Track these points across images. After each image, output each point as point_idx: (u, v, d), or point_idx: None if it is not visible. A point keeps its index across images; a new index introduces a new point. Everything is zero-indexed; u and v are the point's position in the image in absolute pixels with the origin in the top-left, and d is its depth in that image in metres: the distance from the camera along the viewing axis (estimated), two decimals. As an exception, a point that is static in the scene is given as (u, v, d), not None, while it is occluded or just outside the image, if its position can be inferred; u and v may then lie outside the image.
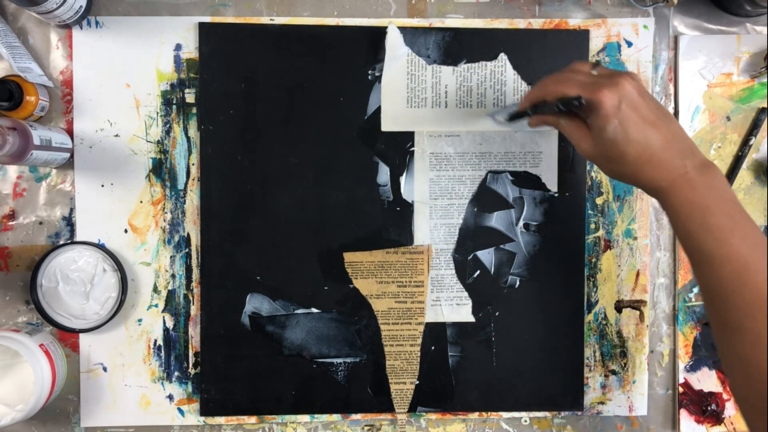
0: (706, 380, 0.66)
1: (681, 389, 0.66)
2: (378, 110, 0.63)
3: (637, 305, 0.65)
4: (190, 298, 0.63)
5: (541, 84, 0.53)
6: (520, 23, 0.64)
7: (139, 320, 0.63)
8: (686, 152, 0.49)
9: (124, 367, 0.63)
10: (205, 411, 0.63)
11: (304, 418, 0.64)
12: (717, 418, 0.66)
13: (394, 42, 0.63)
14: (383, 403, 0.64)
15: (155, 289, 0.63)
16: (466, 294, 0.64)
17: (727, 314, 0.46)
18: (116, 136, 0.62)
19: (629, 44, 0.64)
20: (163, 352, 0.63)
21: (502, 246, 0.64)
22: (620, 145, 0.48)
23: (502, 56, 0.64)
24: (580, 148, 0.51)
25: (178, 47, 0.62)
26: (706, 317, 0.65)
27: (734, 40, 0.65)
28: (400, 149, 0.64)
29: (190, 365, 0.63)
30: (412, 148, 0.64)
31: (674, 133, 0.49)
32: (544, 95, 0.52)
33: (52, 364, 0.59)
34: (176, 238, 0.63)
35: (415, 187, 0.64)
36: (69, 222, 0.63)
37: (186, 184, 0.63)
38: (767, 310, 0.44)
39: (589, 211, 0.65)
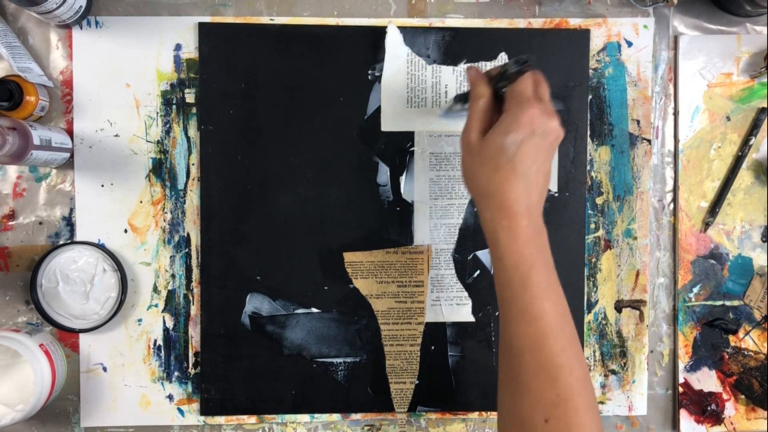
0: (706, 380, 0.66)
1: (681, 389, 0.66)
2: (378, 110, 0.63)
3: (637, 305, 0.66)
4: (190, 298, 0.63)
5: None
6: (520, 23, 0.64)
7: (139, 320, 0.63)
8: (534, 207, 0.49)
9: (124, 367, 0.63)
10: (205, 411, 0.63)
11: (304, 418, 0.64)
12: (717, 418, 0.66)
13: (394, 42, 0.63)
14: (383, 403, 0.64)
15: (155, 289, 0.63)
16: (466, 294, 0.64)
17: (518, 371, 0.47)
18: (116, 136, 0.62)
19: (629, 44, 0.64)
20: (163, 352, 0.63)
21: (502, 246, 0.64)
22: (502, 158, 0.48)
23: (502, 56, 0.64)
24: (469, 133, 0.50)
25: (178, 47, 0.62)
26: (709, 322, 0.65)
27: (734, 40, 0.65)
28: (400, 149, 0.64)
29: (190, 365, 0.63)
30: (412, 148, 0.64)
31: (542, 190, 0.49)
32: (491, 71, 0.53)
33: (52, 364, 0.59)
34: (176, 238, 0.63)
35: (415, 187, 0.64)
36: (69, 222, 0.63)
37: (186, 184, 0.63)
38: (552, 379, 0.45)
39: (589, 211, 0.65)
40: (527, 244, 0.48)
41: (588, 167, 0.65)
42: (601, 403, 0.66)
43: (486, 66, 0.64)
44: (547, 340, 0.46)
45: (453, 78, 0.64)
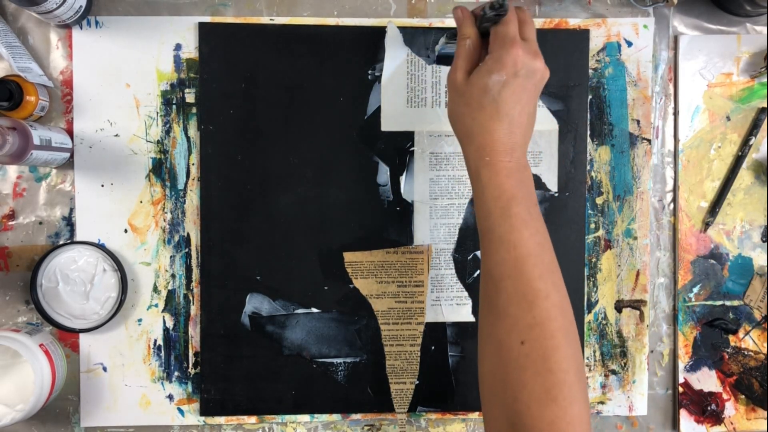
0: (706, 380, 0.66)
1: (681, 389, 0.66)
2: (378, 110, 0.63)
3: (637, 305, 0.66)
4: (190, 298, 0.63)
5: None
6: (520, 23, 0.64)
7: (139, 320, 0.63)
8: (519, 147, 0.50)
9: (124, 367, 0.63)
10: (205, 411, 0.63)
11: (304, 418, 0.64)
12: (717, 418, 0.66)
13: (394, 42, 0.63)
14: (383, 403, 0.64)
15: (155, 289, 0.63)
16: (466, 294, 0.64)
17: (497, 297, 0.48)
18: (116, 136, 0.62)
19: (629, 44, 0.64)
20: (163, 352, 0.63)
21: (502, 246, 0.64)
22: (486, 98, 0.49)
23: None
24: (455, 72, 0.51)
25: (178, 47, 0.62)
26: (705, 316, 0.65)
27: (734, 40, 0.65)
28: (400, 149, 0.64)
29: (190, 365, 0.63)
30: (412, 148, 0.64)
31: (525, 130, 0.50)
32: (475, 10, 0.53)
33: (52, 364, 0.59)
34: (176, 238, 0.63)
35: (415, 187, 0.64)
36: (69, 222, 0.63)
37: (186, 184, 0.63)
38: (529, 303, 0.46)
39: (589, 211, 0.65)
40: (508, 177, 0.49)
41: (588, 167, 0.65)
42: (601, 403, 0.66)
43: None
44: (525, 266, 0.47)
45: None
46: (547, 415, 0.44)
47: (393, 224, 0.64)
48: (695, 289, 0.66)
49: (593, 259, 0.65)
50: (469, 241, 0.64)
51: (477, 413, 0.65)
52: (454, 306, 0.64)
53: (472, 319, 0.64)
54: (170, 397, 0.63)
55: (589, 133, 0.65)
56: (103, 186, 0.62)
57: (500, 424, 0.45)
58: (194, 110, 0.63)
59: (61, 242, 0.62)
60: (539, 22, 0.64)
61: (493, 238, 0.48)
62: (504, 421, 0.45)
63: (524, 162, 0.50)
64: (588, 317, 0.65)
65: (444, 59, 0.63)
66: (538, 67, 0.49)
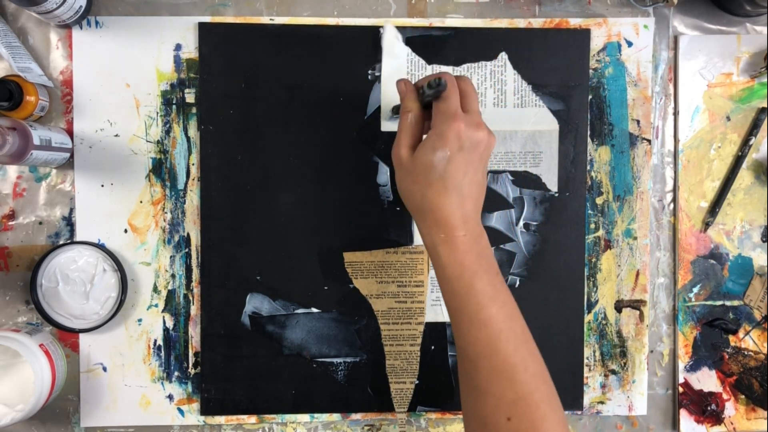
0: (706, 380, 0.66)
1: (681, 389, 0.66)
2: (378, 110, 0.63)
3: (637, 305, 0.66)
4: (190, 298, 0.63)
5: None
6: (520, 23, 0.64)
7: (139, 320, 0.63)
8: (470, 216, 0.50)
9: (124, 367, 0.63)
10: (205, 411, 0.63)
11: (304, 417, 0.64)
12: (717, 418, 0.66)
13: (391, 42, 0.63)
14: (383, 403, 0.64)
15: (155, 289, 0.63)
16: (466, 294, 0.64)
17: (476, 376, 0.48)
18: (116, 136, 0.62)
19: (629, 44, 0.64)
20: (163, 352, 0.63)
21: (502, 246, 0.64)
22: (432, 175, 0.48)
23: (503, 56, 0.64)
24: (399, 149, 0.51)
25: (178, 47, 0.62)
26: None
27: (734, 40, 0.65)
28: (400, 149, 0.63)
29: (190, 365, 0.63)
30: (412, 148, 0.64)
31: (476, 199, 0.50)
32: (420, 82, 0.52)
33: (52, 364, 0.59)
34: (176, 238, 0.63)
35: (415, 187, 0.64)
36: (69, 222, 0.63)
37: (186, 184, 0.63)
38: (509, 379, 0.47)
39: (589, 211, 0.65)
40: (466, 253, 0.49)
41: (588, 167, 0.65)
42: (601, 403, 0.66)
43: (486, 66, 0.63)
44: (498, 342, 0.47)
45: (453, 78, 0.63)
46: None
47: (393, 224, 0.64)
48: (695, 289, 0.66)
49: (593, 259, 0.65)
50: (469, 241, 0.64)
51: (477, 413, 0.65)
52: (454, 306, 0.64)
53: (472, 319, 0.64)
54: (170, 397, 0.63)
55: (589, 133, 0.65)
56: (103, 186, 0.62)
57: None
58: (194, 110, 0.63)
59: (61, 242, 0.62)
60: (539, 22, 0.64)
61: (463, 319, 0.49)
62: None
63: (479, 230, 0.50)
64: (588, 317, 0.65)
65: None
66: (482, 138, 0.49)
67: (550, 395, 0.48)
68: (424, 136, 0.51)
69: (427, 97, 0.50)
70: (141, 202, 0.63)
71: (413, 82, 0.54)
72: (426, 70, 0.63)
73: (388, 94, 0.63)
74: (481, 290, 0.48)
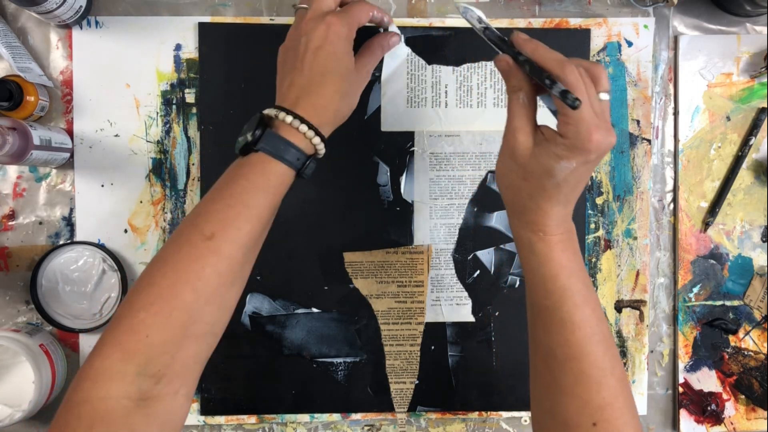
0: (706, 380, 0.66)
1: (681, 389, 0.66)
2: (378, 110, 0.63)
3: (637, 305, 0.66)
4: (190, 298, 0.63)
5: (544, 48, 0.45)
6: (520, 23, 0.64)
7: (139, 320, 0.63)
8: (568, 218, 0.48)
9: (124, 367, 0.63)
10: (205, 410, 0.63)
11: (304, 417, 0.64)
12: (717, 418, 0.66)
13: (394, 42, 0.63)
14: (383, 403, 0.64)
15: (155, 289, 0.63)
16: (466, 294, 0.64)
17: (562, 378, 0.46)
18: (116, 136, 0.62)
19: (629, 44, 0.64)
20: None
21: (502, 246, 0.64)
22: (549, 181, 0.45)
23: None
24: (515, 134, 0.45)
25: (178, 47, 0.62)
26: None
27: (734, 40, 0.65)
28: (400, 149, 0.64)
29: (190, 365, 0.63)
30: (412, 148, 0.64)
31: (575, 201, 0.47)
32: (541, 57, 0.44)
33: (52, 364, 0.59)
34: (176, 238, 0.63)
35: (415, 187, 0.64)
36: (69, 222, 0.63)
37: (186, 184, 0.63)
38: (597, 383, 0.45)
39: (589, 211, 0.65)
40: (564, 252, 0.47)
41: (588, 167, 0.65)
42: (601, 403, 0.66)
43: (486, 66, 0.63)
44: (590, 345, 0.46)
45: (453, 78, 0.63)
46: None
47: (393, 224, 0.64)
48: (695, 289, 0.66)
49: (593, 259, 0.65)
50: (469, 242, 0.64)
51: (477, 413, 0.65)
52: (453, 306, 0.64)
53: (472, 319, 0.64)
54: (170, 397, 0.63)
55: (589, 133, 0.64)
56: (103, 186, 0.62)
57: None
58: (194, 110, 0.63)
59: (61, 242, 0.62)
60: (539, 22, 0.64)
61: (555, 319, 0.47)
62: None
63: (573, 227, 0.48)
64: (588, 317, 0.65)
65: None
66: (611, 144, 0.43)
67: (630, 401, 0.47)
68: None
69: (547, 87, 0.43)
70: (141, 202, 0.63)
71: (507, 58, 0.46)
72: (426, 70, 0.63)
73: (388, 94, 0.63)
74: (578, 291, 0.46)
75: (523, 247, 0.48)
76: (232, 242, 0.46)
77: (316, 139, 0.49)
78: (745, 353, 0.66)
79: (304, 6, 0.53)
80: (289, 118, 0.48)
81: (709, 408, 0.66)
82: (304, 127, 0.49)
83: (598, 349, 0.46)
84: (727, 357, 0.66)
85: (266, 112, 0.50)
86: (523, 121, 0.45)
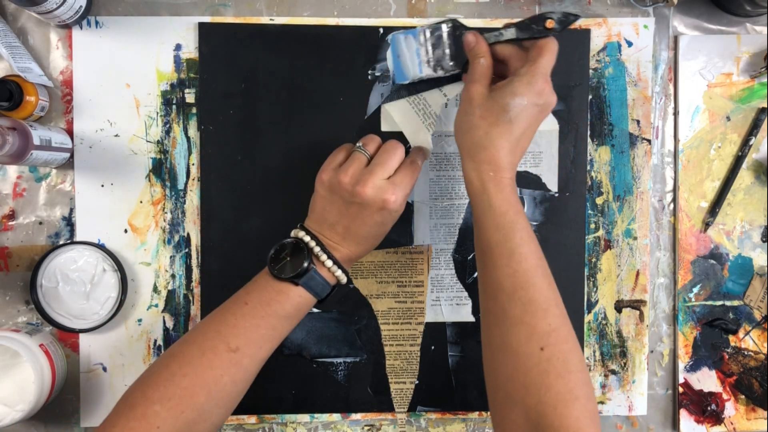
0: (706, 380, 0.66)
1: (681, 389, 0.66)
2: (378, 110, 0.63)
3: (637, 305, 0.66)
4: (190, 298, 0.63)
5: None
6: (520, 23, 0.64)
7: (139, 320, 0.63)
8: (514, 168, 0.53)
9: (124, 367, 0.63)
10: (205, 411, 0.63)
11: (304, 417, 0.64)
12: (717, 418, 0.66)
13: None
14: (383, 403, 0.64)
15: (155, 289, 0.63)
16: (466, 294, 0.64)
17: (511, 307, 0.50)
18: (116, 136, 0.62)
19: (629, 44, 0.64)
20: (163, 352, 0.63)
21: (502, 246, 0.64)
22: (503, 116, 0.52)
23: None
24: (474, 86, 0.54)
25: (178, 47, 0.62)
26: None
27: (734, 40, 0.65)
28: (400, 149, 0.63)
29: (190, 365, 0.63)
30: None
31: (522, 152, 0.54)
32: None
33: (52, 364, 0.59)
34: (176, 238, 0.63)
35: (415, 187, 0.64)
36: (69, 222, 0.63)
37: (186, 184, 0.63)
38: (544, 311, 0.49)
39: (589, 211, 0.65)
40: (512, 193, 0.52)
41: (588, 167, 0.65)
42: (601, 403, 0.66)
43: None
44: (536, 276, 0.50)
45: (453, 78, 0.63)
46: (573, 413, 0.46)
47: (393, 224, 0.64)
48: (695, 289, 0.66)
49: (593, 259, 0.65)
50: (469, 242, 0.64)
51: (477, 413, 0.65)
52: (454, 306, 0.64)
53: (472, 319, 0.64)
54: (170, 397, 0.63)
55: (589, 133, 0.65)
56: (103, 186, 0.62)
57: (520, 427, 0.47)
58: (194, 110, 0.63)
59: (61, 242, 0.62)
60: (539, 22, 0.64)
61: (503, 252, 0.51)
62: (524, 422, 0.47)
63: (515, 183, 0.54)
64: (588, 317, 0.65)
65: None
66: (553, 102, 0.53)
67: (573, 332, 0.50)
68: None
69: (520, 34, 0.56)
70: (141, 202, 0.63)
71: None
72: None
73: (388, 94, 0.63)
74: (524, 227, 0.51)
75: (475, 191, 0.53)
76: (252, 357, 0.52)
77: (341, 275, 0.55)
78: (745, 353, 0.66)
79: (364, 152, 0.55)
80: (329, 263, 0.54)
81: (709, 408, 0.66)
82: (339, 272, 0.54)
83: (543, 281, 0.50)
84: (727, 357, 0.66)
85: (308, 242, 0.54)
86: (483, 77, 0.55)
